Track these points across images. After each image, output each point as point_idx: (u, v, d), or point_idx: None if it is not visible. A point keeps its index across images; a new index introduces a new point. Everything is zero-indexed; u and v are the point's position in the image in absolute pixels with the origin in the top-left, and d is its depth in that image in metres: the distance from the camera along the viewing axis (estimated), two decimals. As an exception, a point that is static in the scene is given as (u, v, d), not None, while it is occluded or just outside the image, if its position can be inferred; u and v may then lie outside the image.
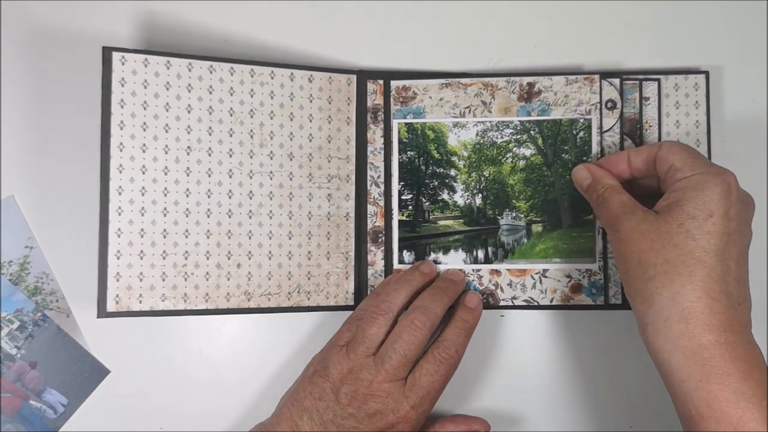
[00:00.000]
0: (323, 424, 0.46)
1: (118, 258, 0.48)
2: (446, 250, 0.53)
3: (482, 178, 0.54)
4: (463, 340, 0.49)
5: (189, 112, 0.49)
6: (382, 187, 0.53)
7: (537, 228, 0.54)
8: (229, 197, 0.50)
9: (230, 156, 0.51)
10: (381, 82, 0.54)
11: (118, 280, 0.48)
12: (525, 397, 0.55)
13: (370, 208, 0.54)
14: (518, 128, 0.53)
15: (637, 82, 0.54)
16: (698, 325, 0.41)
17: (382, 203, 0.53)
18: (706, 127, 0.54)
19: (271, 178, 0.51)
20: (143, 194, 0.48)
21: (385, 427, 0.45)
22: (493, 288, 0.53)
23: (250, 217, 0.51)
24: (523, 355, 0.55)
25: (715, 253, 0.42)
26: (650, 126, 0.54)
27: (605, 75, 0.53)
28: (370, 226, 0.54)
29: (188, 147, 0.49)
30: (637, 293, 0.44)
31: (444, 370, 0.47)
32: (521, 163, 0.54)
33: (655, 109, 0.54)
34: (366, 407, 0.45)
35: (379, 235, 0.54)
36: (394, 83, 0.54)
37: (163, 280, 0.49)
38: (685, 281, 0.41)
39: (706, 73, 0.54)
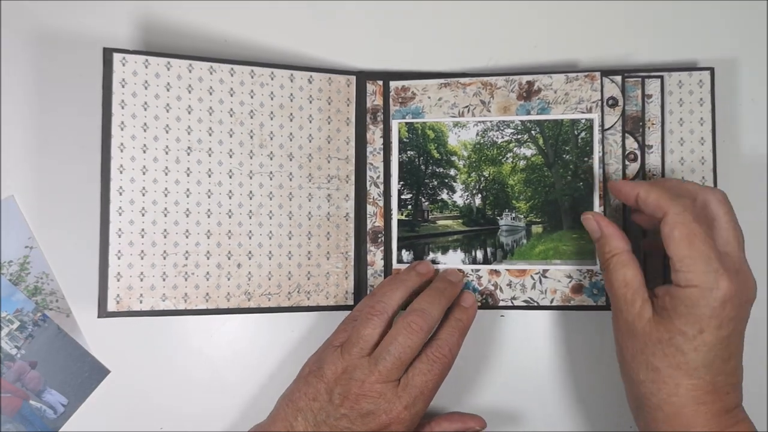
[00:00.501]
0: (317, 424, 0.46)
1: (118, 258, 0.48)
2: (445, 250, 0.53)
3: (482, 178, 0.54)
4: (457, 340, 0.48)
5: (189, 112, 0.50)
6: (382, 187, 0.53)
7: (537, 229, 0.53)
8: (229, 197, 0.50)
9: (230, 156, 0.51)
10: (380, 82, 0.54)
11: (118, 280, 0.48)
12: (525, 397, 0.55)
13: (370, 209, 0.53)
14: (519, 128, 0.53)
15: (640, 79, 0.53)
16: (682, 427, 0.43)
17: (381, 203, 0.53)
18: (711, 125, 0.53)
19: (270, 179, 0.51)
20: (144, 194, 0.49)
21: (378, 428, 0.45)
22: (493, 288, 0.53)
23: (250, 218, 0.51)
24: (522, 355, 0.55)
25: (704, 365, 0.42)
26: (653, 124, 0.53)
27: (607, 72, 0.53)
28: (369, 226, 0.54)
29: (188, 147, 0.50)
30: (629, 386, 0.46)
31: (437, 370, 0.47)
32: (522, 163, 0.53)
33: (658, 107, 0.53)
34: (358, 407, 0.45)
35: (379, 235, 0.53)
36: (393, 84, 0.53)
37: (164, 280, 0.49)
38: (672, 391, 0.43)
39: (711, 70, 0.53)
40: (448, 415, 0.51)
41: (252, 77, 0.51)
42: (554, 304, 0.52)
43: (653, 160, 0.53)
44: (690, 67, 0.54)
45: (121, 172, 0.48)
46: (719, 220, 0.44)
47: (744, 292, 0.43)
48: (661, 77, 0.53)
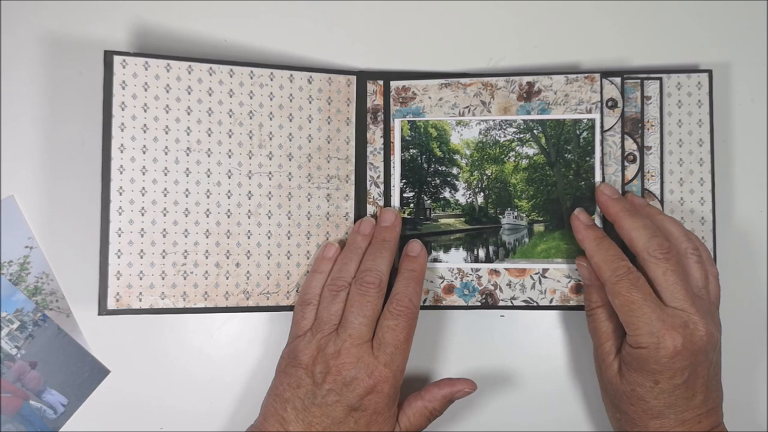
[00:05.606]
0: (305, 408, 0.46)
1: (118, 257, 0.48)
2: (447, 249, 0.53)
3: (484, 177, 0.54)
4: (414, 289, 0.49)
5: (188, 113, 0.50)
6: (382, 187, 0.53)
7: (539, 228, 0.53)
8: (228, 197, 0.51)
9: (229, 157, 0.51)
10: (381, 82, 0.54)
11: (118, 279, 0.48)
12: (524, 397, 0.55)
13: (370, 208, 0.54)
14: (521, 127, 0.53)
15: (639, 80, 0.53)
16: None
17: (381, 203, 0.53)
18: (709, 127, 0.53)
19: (270, 179, 0.52)
20: (143, 194, 0.49)
21: (365, 392, 0.46)
22: (492, 288, 0.53)
23: (249, 217, 0.51)
24: (522, 355, 0.55)
25: (666, 408, 0.46)
26: (652, 125, 0.53)
27: (606, 74, 0.53)
28: (369, 226, 0.54)
29: (188, 148, 0.50)
30: (609, 418, 0.51)
31: (404, 323, 0.48)
32: (524, 162, 0.54)
33: (657, 108, 0.53)
34: (341, 378, 0.46)
35: (379, 235, 0.53)
36: (393, 84, 0.54)
37: (163, 278, 0.49)
38: (642, 430, 0.47)
39: (710, 72, 0.54)
40: (437, 382, 0.51)
41: (251, 78, 0.51)
42: (554, 304, 0.53)
43: (652, 161, 0.53)
44: (688, 69, 0.54)
45: (121, 173, 0.48)
46: (691, 269, 0.48)
47: (704, 336, 0.45)
48: (660, 79, 0.54)
